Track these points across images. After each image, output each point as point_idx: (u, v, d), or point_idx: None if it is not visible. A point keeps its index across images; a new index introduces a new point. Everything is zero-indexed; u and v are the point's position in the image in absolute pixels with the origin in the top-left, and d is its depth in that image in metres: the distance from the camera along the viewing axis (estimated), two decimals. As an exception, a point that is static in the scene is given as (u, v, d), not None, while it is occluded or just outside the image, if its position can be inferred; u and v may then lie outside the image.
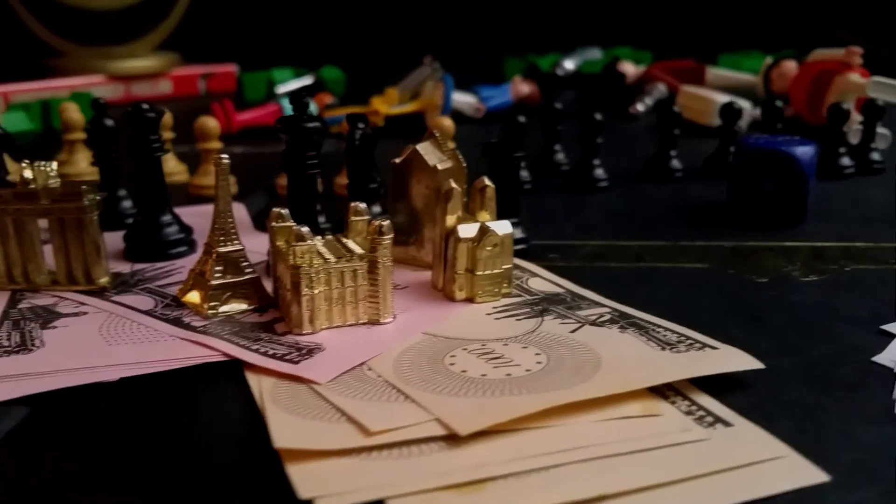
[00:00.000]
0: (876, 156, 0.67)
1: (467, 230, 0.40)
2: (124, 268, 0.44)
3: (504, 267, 0.40)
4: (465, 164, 0.45)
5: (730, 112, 0.65)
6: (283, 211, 0.38)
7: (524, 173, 0.63)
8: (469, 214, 0.42)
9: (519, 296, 0.41)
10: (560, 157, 0.68)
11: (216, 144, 0.61)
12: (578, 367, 0.32)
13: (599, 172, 0.63)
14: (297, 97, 0.42)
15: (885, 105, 0.69)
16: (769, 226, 0.53)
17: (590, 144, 0.63)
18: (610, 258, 0.48)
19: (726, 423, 0.29)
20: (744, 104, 0.84)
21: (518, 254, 0.48)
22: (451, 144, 0.61)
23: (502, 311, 0.39)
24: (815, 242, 0.50)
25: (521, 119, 0.62)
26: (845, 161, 0.66)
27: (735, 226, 0.53)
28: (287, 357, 0.33)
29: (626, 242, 0.51)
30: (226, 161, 0.38)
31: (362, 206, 0.40)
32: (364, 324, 0.37)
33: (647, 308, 0.40)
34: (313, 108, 0.87)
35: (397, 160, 0.46)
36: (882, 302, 0.41)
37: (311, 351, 0.34)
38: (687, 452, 0.27)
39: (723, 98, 0.83)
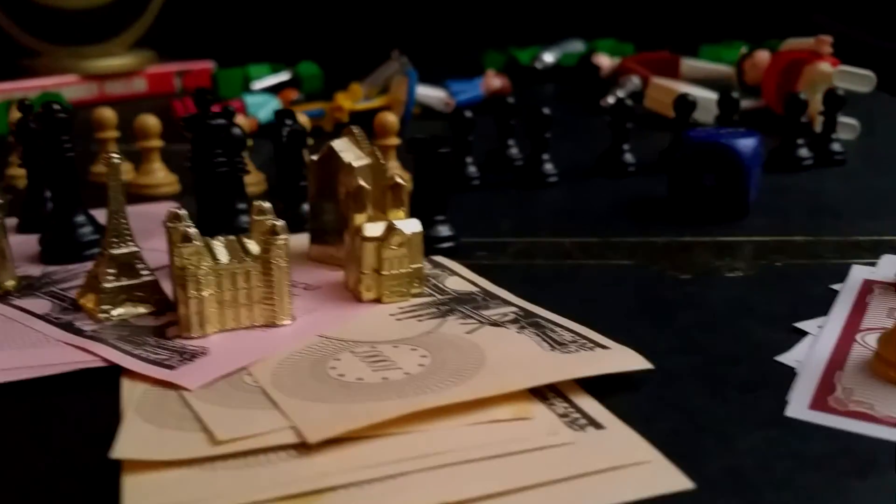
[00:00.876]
0: (837, 146, 0.65)
1: (373, 229, 0.39)
2: (37, 270, 0.44)
3: (413, 266, 0.39)
4: (383, 161, 0.44)
5: (683, 104, 0.64)
6: (180, 211, 0.37)
7: (472, 169, 0.62)
8: (382, 213, 0.41)
9: (431, 295, 0.40)
10: (513, 151, 0.67)
11: (157, 143, 0.61)
12: (459, 370, 0.31)
13: (549, 167, 0.62)
14: (200, 96, 0.41)
15: (847, 94, 0.67)
16: (710, 220, 0.52)
17: (539, 139, 0.62)
18: (538, 255, 0.47)
19: (598, 426, 0.28)
20: (712, 96, 0.82)
21: (445, 252, 0.47)
22: (395, 140, 0.60)
23: (407, 311, 0.38)
24: (753, 237, 0.49)
25: (468, 114, 0.61)
26: (803, 152, 0.64)
27: (676, 221, 0.52)
28: (166, 362, 0.33)
29: (559, 239, 0.50)
30: (116, 159, 0.37)
31: (266, 205, 0.39)
32: (260, 326, 0.36)
33: (560, 306, 0.38)
34: (277, 103, 0.87)
35: (314, 157, 0.45)
36: (804, 298, 0.40)
37: (194, 356, 0.33)
38: (547, 457, 0.26)
39: (691, 90, 0.82)
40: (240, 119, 0.61)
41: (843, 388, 0.31)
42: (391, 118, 0.60)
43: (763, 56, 0.87)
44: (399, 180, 0.41)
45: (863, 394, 0.30)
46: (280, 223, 0.36)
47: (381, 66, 0.90)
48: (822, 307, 0.38)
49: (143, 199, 0.59)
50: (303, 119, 0.61)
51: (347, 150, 0.43)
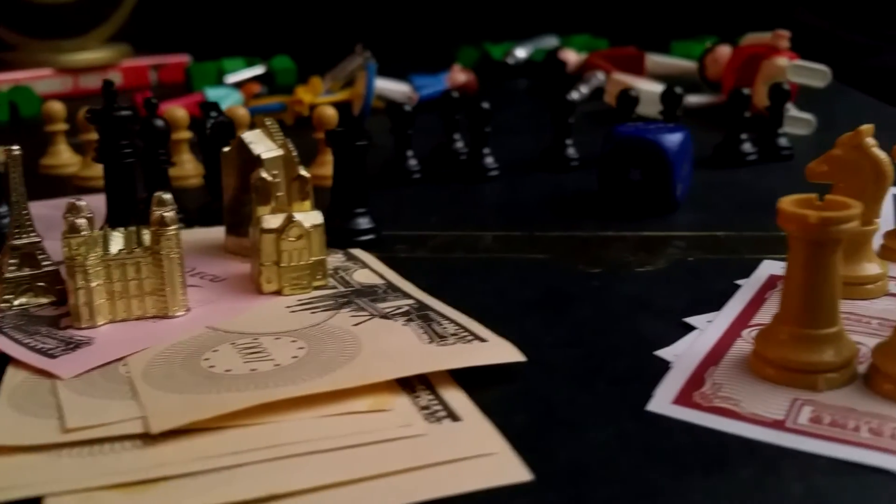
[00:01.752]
0: (784, 141, 0.65)
1: (272, 221, 0.39)
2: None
3: (313, 259, 0.40)
4: (295, 153, 0.44)
5: (626, 100, 0.64)
6: (79, 202, 0.38)
7: (412, 162, 0.62)
8: (287, 206, 0.41)
9: (333, 288, 0.40)
10: (459, 145, 0.67)
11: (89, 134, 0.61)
12: (329, 362, 0.31)
13: (489, 161, 0.62)
14: (106, 88, 0.41)
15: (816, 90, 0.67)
16: (639, 215, 0.52)
17: (479, 134, 0.62)
18: (457, 249, 0.47)
19: (456, 418, 0.28)
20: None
21: (364, 244, 0.47)
22: (322, 134, 0.59)
23: (304, 304, 0.38)
24: (675, 232, 0.49)
25: (408, 108, 0.61)
26: (747, 147, 0.64)
27: (605, 216, 0.52)
28: (50, 351, 0.33)
29: (482, 233, 0.50)
30: (16, 151, 0.38)
31: (167, 196, 0.39)
32: (153, 317, 0.37)
33: (461, 299, 0.38)
34: (239, 97, 0.87)
35: (226, 149, 0.45)
36: (706, 294, 0.39)
37: (78, 345, 0.34)
38: (394, 448, 0.26)
39: (648, 86, 0.81)
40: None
41: (713, 383, 0.31)
42: (330, 112, 0.60)
43: (724, 51, 0.86)
44: (303, 173, 0.41)
45: (732, 390, 0.30)
46: (169, 214, 0.36)
47: (344, 61, 0.91)
48: (721, 302, 0.38)
49: (89, 190, 0.59)
50: (240, 112, 0.61)
51: (258, 142, 0.44)
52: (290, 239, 0.39)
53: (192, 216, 0.51)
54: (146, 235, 0.38)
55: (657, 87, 0.82)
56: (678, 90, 0.64)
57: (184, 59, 1.17)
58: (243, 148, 0.44)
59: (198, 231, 0.49)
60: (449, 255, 0.46)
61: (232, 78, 1.08)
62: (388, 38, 1.30)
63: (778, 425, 0.28)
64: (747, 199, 0.56)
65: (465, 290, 0.41)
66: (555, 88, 0.94)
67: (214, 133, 0.50)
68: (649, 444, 0.28)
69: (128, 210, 0.42)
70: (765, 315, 0.36)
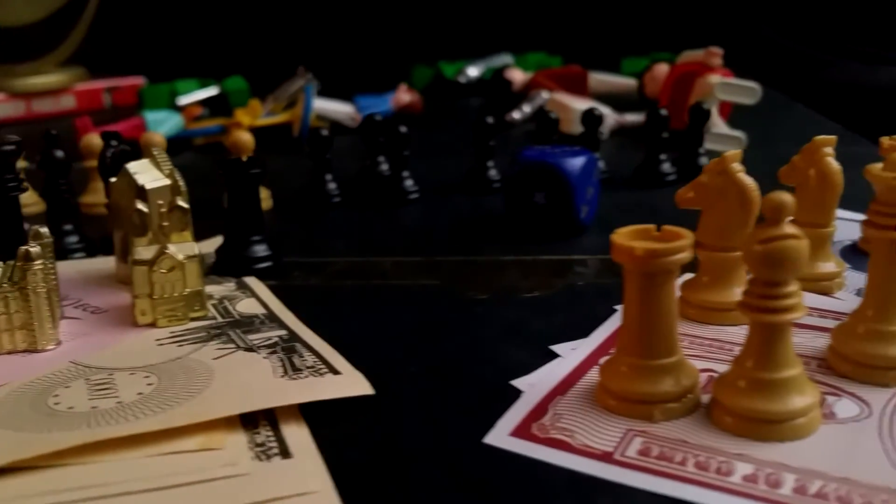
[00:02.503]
0: (704, 161, 0.65)
1: (144, 252, 0.39)
2: None
3: (188, 290, 0.40)
4: (181, 183, 0.44)
5: (546, 121, 0.64)
6: (-50, 237, 0.38)
7: (331, 186, 0.62)
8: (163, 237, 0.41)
9: (212, 319, 0.40)
10: (384, 168, 0.67)
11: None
12: (170, 399, 0.31)
13: (409, 184, 0.62)
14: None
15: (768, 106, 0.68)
16: (544, 238, 0.52)
17: (398, 157, 0.62)
18: (352, 276, 0.47)
19: (287, 455, 0.28)
20: (605, 111, 0.82)
21: (261, 272, 0.47)
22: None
23: (175, 336, 0.38)
24: (575, 255, 0.49)
25: (325, 133, 0.61)
26: (666, 167, 0.64)
27: (511, 239, 0.52)
28: None
29: (383, 258, 0.50)
30: None
31: (43, 229, 0.39)
32: (22, 351, 0.37)
33: (337, 329, 0.38)
34: (180, 120, 0.87)
35: (112, 179, 0.45)
36: (584, 319, 0.39)
37: (-65, 382, 0.34)
38: (211, 488, 0.26)
39: (582, 105, 0.82)
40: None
41: (554, 413, 0.31)
42: (245, 136, 0.61)
43: (662, 69, 0.87)
44: (181, 203, 0.41)
45: (570, 420, 0.30)
46: (35, 249, 0.36)
47: (286, 82, 0.91)
48: (594, 329, 0.38)
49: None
50: (157, 139, 0.61)
51: (143, 172, 0.44)
52: (162, 271, 0.39)
53: (95, 244, 0.51)
54: (17, 270, 0.38)
55: (601, 109, 0.83)
56: (597, 112, 0.65)
57: (138, 81, 1.17)
58: (132, 178, 0.44)
59: (98, 260, 0.49)
60: (342, 282, 0.46)
61: (184, 99, 1.08)
62: (342, 58, 1.31)
63: (606, 457, 0.28)
64: (656, 220, 0.56)
65: (346, 319, 0.41)
66: (501, 107, 0.95)
67: (115, 162, 0.50)
68: (475, 478, 0.28)
69: (14, 242, 0.42)
70: (631, 342, 0.36)
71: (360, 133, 0.67)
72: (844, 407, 0.30)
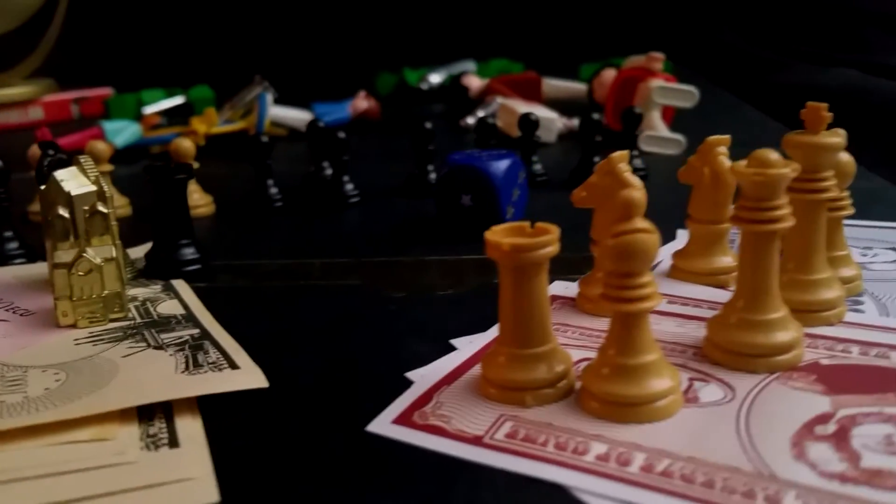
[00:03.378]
0: (638, 163, 0.67)
1: (63, 255, 0.41)
2: None
3: (107, 292, 0.41)
4: (106, 189, 0.46)
5: (483, 127, 0.66)
6: None
7: (273, 191, 0.64)
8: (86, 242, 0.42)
9: (132, 319, 0.42)
10: (328, 173, 0.68)
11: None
12: (73, 393, 0.33)
13: (349, 188, 0.64)
14: None
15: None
16: (471, 238, 0.53)
17: (338, 162, 0.64)
18: (279, 277, 0.49)
19: (175, 445, 0.30)
20: (553, 115, 0.84)
21: (189, 274, 0.48)
22: (107, 168, 0.61)
23: (91, 337, 0.39)
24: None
25: (265, 139, 0.63)
26: (601, 170, 0.66)
27: (439, 240, 0.54)
28: None
29: (312, 260, 0.51)
30: None
31: (-31, 236, 0.41)
32: (-58, 353, 0.38)
33: (252, 328, 0.40)
34: (137, 129, 0.89)
35: (42, 187, 0.46)
36: (492, 313, 0.41)
37: None
38: (99, 475, 0.28)
39: (534, 111, 0.83)
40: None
41: (437, 401, 0.32)
42: (187, 144, 0.62)
43: (609, 74, 0.89)
44: (101, 208, 0.43)
45: (450, 408, 0.32)
46: (-47, 254, 0.38)
47: (243, 90, 0.93)
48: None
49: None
50: (100, 147, 0.62)
51: (70, 179, 0.45)
52: (80, 273, 0.40)
53: (36, 251, 0.53)
54: (-60, 274, 0.39)
55: (543, 112, 0.85)
56: (533, 116, 0.67)
57: (106, 91, 1.19)
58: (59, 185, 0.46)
59: (37, 265, 0.51)
60: (269, 283, 0.48)
61: (150, 109, 1.10)
62: (303, 66, 1.33)
63: (476, 441, 0.29)
64: (583, 220, 0.58)
65: (263, 318, 0.43)
66: (458, 113, 0.97)
67: (50, 170, 0.51)
68: (352, 464, 0.29)
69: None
70: (526, 335, 0.38)
71: (305, 139, 0.69)
72: (710, 392, 0.31)
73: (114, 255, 0.41)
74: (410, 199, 0.65)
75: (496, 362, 0.32)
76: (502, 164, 0.53)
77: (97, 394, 0.32)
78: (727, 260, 0.42)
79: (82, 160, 0.46)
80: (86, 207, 0.44)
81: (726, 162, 0.42)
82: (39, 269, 0.50)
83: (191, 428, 0.31)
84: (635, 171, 0.66)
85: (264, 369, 0.35)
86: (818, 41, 1.16)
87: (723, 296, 0.41)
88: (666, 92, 0.76)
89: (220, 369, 0.34)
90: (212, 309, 0.43)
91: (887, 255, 0.46)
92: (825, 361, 0.33)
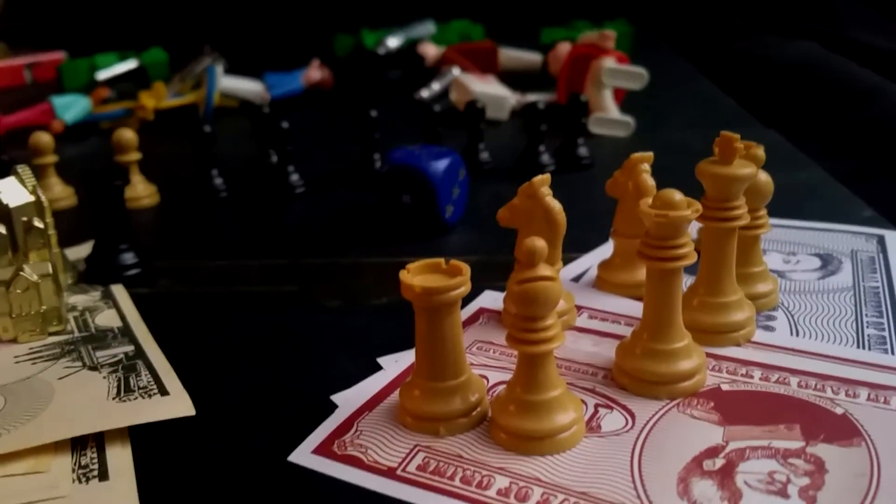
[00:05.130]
0: (583, 151, 0.68)
1: (1, 273, 0.41)
2: None
3: (44, 308, 0.42)
4: (44, 200, 0.46)
5: (429, 115, 0.66)
6: None
7: (218, 181, 0.64)
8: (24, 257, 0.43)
9: (70, 333, 0.43)
10: (273, 160, 0.69)
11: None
12: (9, 422, 0.34)
13: (295, 179, 0.65)
14: None
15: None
16: (411, 237, 0.55)
17: (282, 152, 0.64)
18: (218, 282, 0.50)
19: (104, 477, 0.31)
20: (506, 92, 0.85)
21: (130, 279, 0.49)
22: (52, 159, 0.62)
23: (33, 353, 0.41)
24: (434, 258, 0.52)
25: (207, 129, 0.63)
26: (545, 159, 0.67)
27: (378, 239, 0.55)
28: None
29: (251, 261, 0.52)
30: None
31: None
32: None
33: (187, 344, 0.42)
34: (87, 103, 0.88)
35: (-20, 198, 0.47)
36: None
37: None
38: (26, 515, 0.29)
39: (484, 88, 0.84)
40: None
41: (357, 430, 0.34)
42: (129, 135, 0.62)
43: (564, 48, 0.89)
44: (36, 224, 0.43)
45: (368, 437, 0.33)
46: None
47: (192, 62, 0.92)
48: (427, 337, 0.41)
49: None
50: (44, 140, 0.62)
51: (7, 191, 0.45)
52: (18, 291, 0.41)
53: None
54: None
55: (496, 90, 0.85)
56: (479, 105, 0.67)
57: (59, 56, 1.17)
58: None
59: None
60: (209, 289, 0.49)
61: (103, 74, 1.08)
62: (261, 24, 1.30)
63: (389, 473, 0.31)
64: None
65: (198, 331, 0.44)
66: (414, 84, 0.96)
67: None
68: (272, 498, 0.31)
69: None
70: (450, 353, 0.39)
71: (250, 124, 0.69)
72: (612, 420, 0.33)
73: (50, 271, 0.42)
74: (353, 188, 0.65)
75: (412, 395, 0.33)
76: (441, 164, 0.54)
77: (32, 423, 0.34)
78: (648, 272, 0.44)
79: (20, 170, 0.47)
80: (24, 219, 0.44)
81: (649, 179, 0.43)
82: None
83: (120, 458, 0.32)
84: (580, 160, 0.68)
85: (193, 390, 0.36)
86: (789, 9, 1.16)
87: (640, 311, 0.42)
88: (615, 73, 0.76)
89: (149, 395, 0.36)
90: (149, 319, 0.44)
91: (810, 263, 0.48)
92: (725, 387, 0.35)
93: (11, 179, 0.47)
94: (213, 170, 0.64)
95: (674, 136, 0.77)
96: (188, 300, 0.48)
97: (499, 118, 0.83)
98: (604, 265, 0.45)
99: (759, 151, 0.41)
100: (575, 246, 0.51)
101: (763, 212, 0.42)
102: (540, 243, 0.30)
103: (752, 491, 0.29)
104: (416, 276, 0.33)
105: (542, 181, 0.39)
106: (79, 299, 0.46)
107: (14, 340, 0.42)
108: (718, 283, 0.38)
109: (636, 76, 0.77)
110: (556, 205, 0.39)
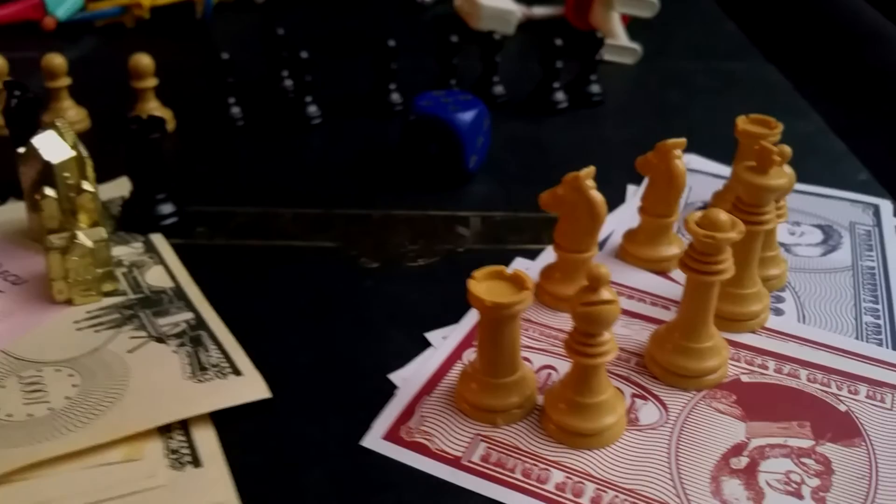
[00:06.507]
0: (595, 88, 0.69)
1: (56, 241, 0.43)
2: None
3: (100, 270, 0.44)
4: (86, 155, 0.46)
5: (447, 46, 0.66)
6: None
7: (235, 110, 0.64)
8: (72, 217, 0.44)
9: (123, 294, 0.44)
10: (287, 84, 0.68)
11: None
12: (96, 405, 0.36)
13: (313, 110, 0.65)
14: None
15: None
16: (434, 184, 0.56)
17: (300, 82, 0.64)
18: (254, 233, 0.51)
19: (198, 463, 0.34)
20: (511, 7, 0.84)
21: (167, 228, 0.51)
22: (66, 81, 0.61)
23: (92, 317, 0.43)
24: (460, 212, 0.54)
25: (225, 56, 0.62)
26: (559, 96, 0.68)
27: (401, 185, 0.57)
28: None
29: (283, 210, 0.54)
30: None
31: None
32: (-47, 336, 0.41)
33: (238, 307, 0.44)
34: (80, 0, 0.84)
35: (20, 150, 0.47)
36: (457, 298, 0.45)
37: None
38: (135, 502, 0.33)
39: (490, 2, 0.83)
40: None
41: (420, 416, 0.37)
42: (145, 60, 0.61)
43: (572, -39, 0.87)
44: (87, 187, 0.44)
45: (431, 424, 0.37)
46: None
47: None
48: (466, 310, 0.44)
49: None
50: (57, 62, 0.60)
51: (49, 147, 0.46)
52: (75, 258, 0.43)
53: (5, 185, 0.53)
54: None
55: (502, 3, 0.84)
56: (497, 36, 0.67)
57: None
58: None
59: (8, 208, 0.52)
60: (245, 241, 0.51)
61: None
62: None
63: (455, 462, 0.35)
64: (540, 162, 0.61)
65: (246, 295, 0.46)
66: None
67: (20, 111, 0.51)
68: (351, 483, 0.35)
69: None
70: (492, 331, 0.42)
71: (261, 47, 0.68)
72: (647, 412, 0.38)
73: (104, 236, 0.43)
74: (373, 118, 0.66)
75: (469, 386, 0.37)
76: (468, 116, 0.55)
77: (118, 408, 0.36)
78: (672, 249, 0.47)
79: (59, 123, 0.47)
80: (66, 174, 0.45)
81: (680, 165, 0.45)
82: (12, 212, 0.51)
83: (207, 442, 0.35)
84: (592, 97, 0.69)
85: (254, 363, 0.39)
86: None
87: (664, 286, 0.46)
88: (627, 1, 0.76)
89: (223, 374, 0.38)
90: (195, 275, 0.46)
91: (813, 236, 0.51)
92: (745, 378, 0.40)
93: (51, 133, 0.47)
94: (230, 98, 0.63)
95: (678, 67, 0.78)
96: (227, 254, 0.49)
97: (505, 32, 0.83)
98: (629, 238, 0.48)
99: (787, 149, 0.43)
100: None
101: (783, 202, 0.45)
102: (604, 270, 0.33)
103: (772, 491, 0.34)
104: (481, 282, 0.35)
105: (588, 174, 0.41)
106: (122, 252, 0.48)
107: (69, 302, 0.44)
108: (742, 277, 0.42)
109: (648, 4, 0.77)
110: (599, 198, 0.42)
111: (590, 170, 0.42)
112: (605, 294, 0.33)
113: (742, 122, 0.50)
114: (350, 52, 0.79)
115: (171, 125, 0.63)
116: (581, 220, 0.42)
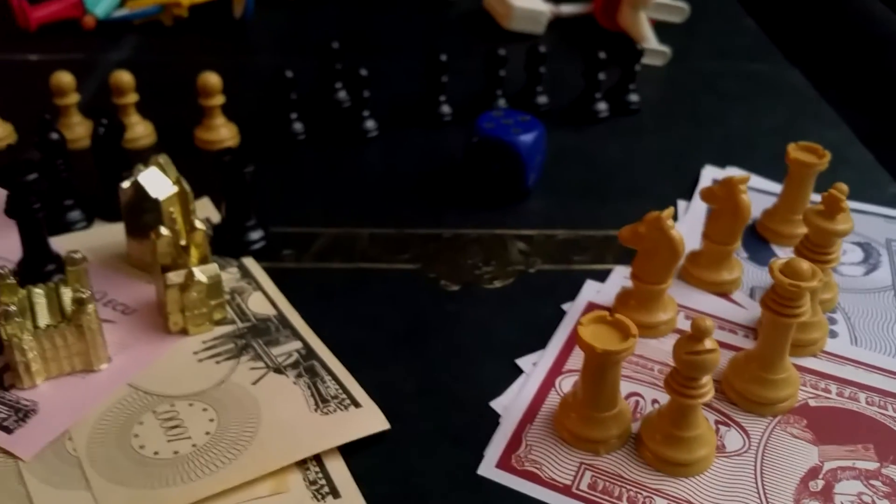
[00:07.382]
0: (633, 97, 0.72)
1: (174, 278, 0.45)
2: None
3: (214, 302, 0.47)
4: (189, 190, 0.49)
5: (494, 59, 0.68)
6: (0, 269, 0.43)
7: (298, 125, 0.66)
8: (183, 252, 0.47)
9: (232, 322, 0.48)
10: (341, 95, 0.70)
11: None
12: (236, 440, 0.40)
13: (370, 125, 0.67)
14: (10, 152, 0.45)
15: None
16: (495, 200, 0.60)
17: (358, 98, 0.66)
18: (336, 254, 0.54)
19: (336, 495, 0.38)
20: (541, 7, 0.86)
21: (256, 252, 0.53)
22: (133, 98, 0.63)
23: (207, 347, 0.46)
24: (522, 230, 0.57)
25: (289, 74, 0.64)
26: (601, 106, 0.71)
27: (464, 202, 0.60)
28: (4, 423, 0.40)
29: (360, 230, 0.57)
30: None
31: (78, 255, 0.44)
32: (80, 371, 0.44)
33: (338, 333, 0.47)
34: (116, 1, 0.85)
35: (124, 185, 0.49)
36: (538, 321, 0.49)
37: (27, 414, 0.41)
38: (289, 535, 0.36)
39: (522, 3, 0.85)
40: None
41: (527, 444, 0.41)
42: (213, 79, 0.63)
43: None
44: (199, 225, 0.47)
45: (539, 452, 0.41)
46: (86, 294, 0.42)
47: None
48: (548, 332, 0.48)
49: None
50: (125, 79, 0.62)
51: (153, 183, 0.48)
52: (194, 294, 0.45)
53: (90, 206, 0.55)
54: (65, 296, 0.44)
55: (532, 3, 0.86)
56: (542, 49, 0.69)
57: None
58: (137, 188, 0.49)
59: (98, 230, 0.54)
60: (329, 264, 0.54)
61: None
62: None
63: (566, 490, 0.39)
64: (591, 175, 0.64)
65: (342, 320, 0.49)
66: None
67: (107, 139, 0.53)
68: (475, 510, 0.39)
69: (41, 262, 0.47)
70: (575, 359, 0.46)
71: (314, 60, 0.70)
72: (732, 439, 0.42)
73: (218, 272, 0.46)
74: (425, 129, 0.69)
75: (569, 416, 0.41)
76: (529, 137, 0.58)
77: (257, 443, 0.40)
78: (734, 273, 0.51)
79: (161, 161, 0.49)
80: (171, 209, 0.48)
81: (746, 199, 0.49)
82: (105, 235, 0.54)
83: (340, 473, 0.39)
84: (629, 106, 0.72)
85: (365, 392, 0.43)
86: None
87: (728, 309, 0.50)
88: (659, 7, 0.79)
89: (345, 407, 0.42)
90: (290, 300, 0.49)
91: (854, 254, 0.56)
92: (812, 402, 0.44)
93: (154, 170, 0.49)
94: (293, 113, 0.65)
95: (705, 67, 0.81)
96: (315, 276, 0.52)
97: (535, 32, 0.85)
98: (692, 260, 0.52)
99: (844, 189, 0.46)
100: (637, 192, 0.62)
101: (838, 244, 0.48)
102: (709, 322, 0.37)
103: (849, 512, 0.38)
104: (587, 327, 0.39)
105: (668, 214, 0.45)
106: (222, 277, 0.51)
107: (184, 332, 0.47)
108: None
109: (678, 10, 0.80)
110: (678, 236, 0.45)
111: (669, 210, 0.45)
112: (708, 344, 0.37)
113: (793, 151, 0.53)
114: (379, 50, 0.81)
115: (235, 141, 0.65)
116: (660, 255, 0.46)
